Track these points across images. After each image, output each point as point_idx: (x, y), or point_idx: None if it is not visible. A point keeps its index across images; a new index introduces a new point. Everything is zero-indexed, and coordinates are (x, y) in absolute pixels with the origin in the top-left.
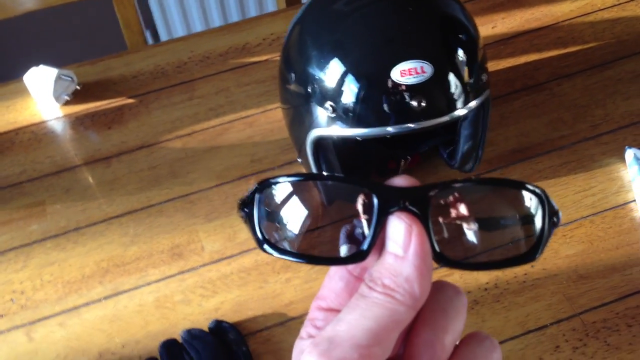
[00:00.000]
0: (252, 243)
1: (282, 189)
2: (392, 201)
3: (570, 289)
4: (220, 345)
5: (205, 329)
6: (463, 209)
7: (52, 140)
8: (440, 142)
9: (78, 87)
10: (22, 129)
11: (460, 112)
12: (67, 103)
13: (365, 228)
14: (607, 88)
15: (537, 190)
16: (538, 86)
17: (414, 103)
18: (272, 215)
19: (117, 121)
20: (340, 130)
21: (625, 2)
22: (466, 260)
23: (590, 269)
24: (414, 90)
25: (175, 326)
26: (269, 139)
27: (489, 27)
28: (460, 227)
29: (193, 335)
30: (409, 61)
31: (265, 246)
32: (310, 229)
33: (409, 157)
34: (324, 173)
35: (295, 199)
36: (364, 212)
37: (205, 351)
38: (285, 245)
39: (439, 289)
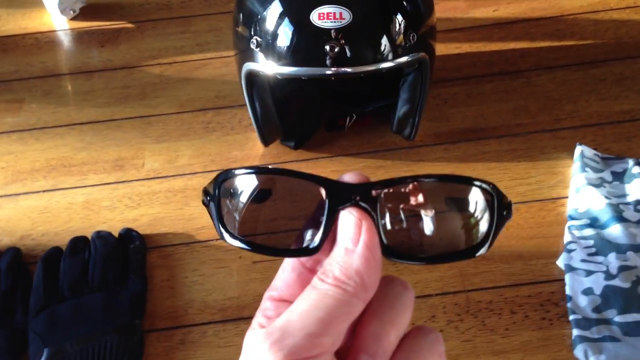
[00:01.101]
0: (189, 169)
1: (241, 180)
2: (343, 197)
3: (468, 267)
4: (118, 249)
5: (117, 234)
6: (413, 204)
7: (50, 49)
8: (390, 105)
9: (83, 4)
10: (28, 34)
11: (387, 64)
12: (75, 18)
13: (318, 222)
14: (586, 86)
15: (486, 186)
16: (516, 73)
17: (328, 47)
18: (231, 204)
19: (111, 41)
20: (265, 67)
21: None
22: (415, 253)
23: (496, 253)
24: (330, 34)
25: (93, 227)
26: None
27: (491, 9)
28: (410, 222)
29: (100, 235)
30: (328, 5)
31: (223, 233)
32: (266, 220)
33: (354, 114)
34: (283, 168)
35: (253, 190)
36: (317, 207)
37: (102, 248)
38: (241, 234)
39: (388, 284)
